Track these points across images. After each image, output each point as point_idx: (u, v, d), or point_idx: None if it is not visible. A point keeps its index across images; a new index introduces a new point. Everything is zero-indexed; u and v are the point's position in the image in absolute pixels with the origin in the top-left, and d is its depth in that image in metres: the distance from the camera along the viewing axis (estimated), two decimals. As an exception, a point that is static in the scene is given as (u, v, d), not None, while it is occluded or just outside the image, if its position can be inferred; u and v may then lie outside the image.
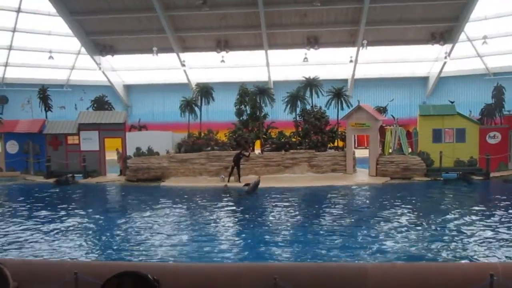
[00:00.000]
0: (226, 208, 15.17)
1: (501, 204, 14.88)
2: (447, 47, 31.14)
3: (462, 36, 30.89)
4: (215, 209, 14.97)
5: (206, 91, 23.53)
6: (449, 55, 31.32)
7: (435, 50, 32.32)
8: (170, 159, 21.56)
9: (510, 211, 13.79)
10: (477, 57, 32.73)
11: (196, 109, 23.55)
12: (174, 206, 15.62)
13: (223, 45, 31.82)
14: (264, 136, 23.12)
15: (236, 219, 13.73)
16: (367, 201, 16.53)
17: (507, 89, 22.97)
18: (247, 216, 13.96)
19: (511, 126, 21.45)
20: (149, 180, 20.89)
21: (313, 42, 31.21)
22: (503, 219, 12.80)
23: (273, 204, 15.65)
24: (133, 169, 21.12)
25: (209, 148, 21.88)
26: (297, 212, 14.41)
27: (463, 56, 32.94)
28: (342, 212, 14.29)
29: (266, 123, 23.99)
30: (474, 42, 31.54)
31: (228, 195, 17.78)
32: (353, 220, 13.22)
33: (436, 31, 30.31)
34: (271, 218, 13.65)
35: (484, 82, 30.82)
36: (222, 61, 32.57)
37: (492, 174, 20.25)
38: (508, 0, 27.60)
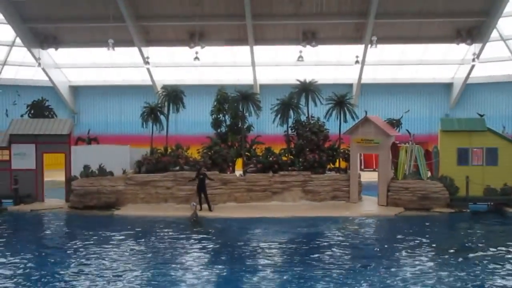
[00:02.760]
0: (192, 246, 15.11)
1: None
2: (476, 47, 31.84)
3: (494, 34, 31.66)
4: (178, 247, 14.93)
5: (175, 95, 23.55)
6: (478, 57, 32.00)
7: (461, 51, 33.02)
8: (127, 181, 21.41)
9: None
10: (512, 60, 33.59)
11: (162, 118, 23.52)
12: (128, 241, 15.54)
13: (197, 38, 32.01)
14: (247, 153, 23.18)
15: (201, 261, 13.64)
16: (375, 239, 16.60)
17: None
18: (216, 257, 13.96)
19: (553, 146, 21.90)
20: (99, 207, 20.68)
21: (310, 37, 31.63)
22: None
23: (254, 241, 15.66)
24: (79, 193, 20.89)
25: (177, 168, 21.82)
26: (282, 252, 14.45)
27: (495, 59, 33.70)
28: (341, 253, 14.35)
29: (250, 137, 24.08)
30: (508, 42, 32.33)
31: (198, 227, 17.76)
32: (354, 265, 13.27)
33: (463, 27, 31.01)
34: (249, 261, 13.52)
35: None
36: (196, 58, 32.71)
37: (531, 206, 20.59)
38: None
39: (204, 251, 14.57)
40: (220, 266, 12.98)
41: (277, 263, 13.17)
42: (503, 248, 14.71)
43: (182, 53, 33.66)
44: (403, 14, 30.17)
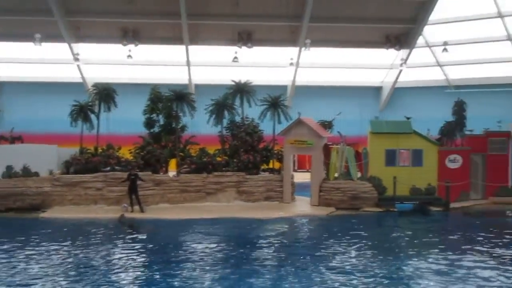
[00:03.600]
0: (119, 249, 14.74)
1: (458, 245, 15.90)
2: (404, 52, 33.24)
3: (421, 41, 33.19)
4: (104, 250, 14.53)
5: (106, 93, 23.03)
6: (405, 62, 33.41)
7: (390, 56, 34.34)
8: (54, 182, 20.68)
9: (467, 256, 14.76)
10: (437, 66, 35.29)
11: (93, 116, 22.90)
12: (51, 245, 14.94)
13: (131, 35, 31.41)
14: (181, 153, 22.98)
15: (129, 264, 13.30)
16: (307, 238, 16.90)
17: (469, 104, 24.86)
18: (146, 259, 13.75)
19: (473, 149, 23.22)
20: (23, 210, 19.87)
21: (245, 38, 31.81)
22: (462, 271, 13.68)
23: (185, 242, 15.59)
24: (0, 195, 19.99)
25: (108, 168, 21.31)
26: (214, 253, 14.43)
27: (421, 64, 35.33)
28: (273, 252, 14.53)
29: (184, 137, 23.90)
30: (433, 49, 33.98)
31: (128, 229, 17.45)
32: (287, 264, 13.46)
33: (391, 33, 32.25)
34: (179, 263, 13.31)
35: (445, 95, 33.14)
36: (129, 56, 32.08)
37: (452, 205, 21.68)
38: (471, 2, 30.11)
39: (133, 253, 14.22)
40: (151, 268, 12.78)
41: (208, 264, 13.11)
42: (426, 245, 15.43)
43: (114, 50, 32.86)
44: (336, 18, 30.94)
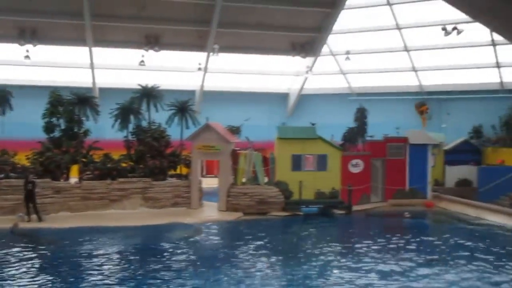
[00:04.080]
0: (12, 261, 13.83)
1: (359, 245, 16.62)
2: (309, 60, 34.29)
3: (326, 49, 34.41)
4: None
5: (1, 96, 21.68)
6: (311, 69, 34.49)
7: (297, 63, 35.28)
8: None
9: (366, 254, 15.47)
10: (341, 74, 36.77)
11: (-15, 120, 21.45)
12: None
13: (29, 35, 29.74)
14: (83, 159, 22.11)
15: (23, 276, 12.59)
16: (214, 244, 16.86)
17: (370, 111, 26.13)
18: (43, 271, 13.03)
19: (373, 154, 24.39)
20: None
21: (153, 41, 31.26)
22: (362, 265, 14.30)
23: (85, 252, 14.94)
24: None
25: (2, 175, 20.00)
26: (116, 263, 14.00)
27: (326, 72, 36.63)
28: (180, 259, 14.34)
29: (87, 142, 23.01)
30: (337, 57, 35.37)
31: (23, 239, 16.48)
32: (192, 270, 13.34)
33: (298, 41, 33.16)
34: (77, 274, 12.81)
35: (348, 102, 34.61)
36: (27, 56, 30.35)
37: (354, 208, 22.62)
38: (371, 14, 31.70)
39: (27, 265, 13.39)
40: (48, 278, 12.11)
41: (108, 274, 12.65)
42: (330, 247, 15.94)
43: (10, 50, 30.92)
44: (243, 25, 31.28)
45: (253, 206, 21.37)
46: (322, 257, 14.50)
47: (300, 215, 21.43)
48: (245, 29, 31.60)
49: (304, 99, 37.70)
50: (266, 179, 23.27)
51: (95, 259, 14.09)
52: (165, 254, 14.79)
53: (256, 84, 37.11)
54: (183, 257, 14.54)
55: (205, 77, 34.38)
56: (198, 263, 13.91)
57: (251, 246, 15.89)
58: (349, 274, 12.80)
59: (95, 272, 12.77)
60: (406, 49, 33.20)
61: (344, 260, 14.26)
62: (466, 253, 15.13)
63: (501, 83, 32.32)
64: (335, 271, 13.25)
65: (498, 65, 31.59)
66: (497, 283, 12.22)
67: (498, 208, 21.82)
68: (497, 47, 30.26)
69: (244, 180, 22.55)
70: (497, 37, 28.79)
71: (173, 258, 14.30)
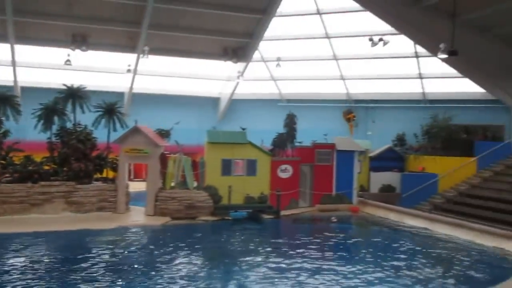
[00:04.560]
0: None
1: (286, 249, 16.95)
2: (241, 65, 34.55)
3: (257, 55, 34.81)
4: None
5: None
6: (242, 74, 34.75)
7: (228, 68, 35.45)
8: None
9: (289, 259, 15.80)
10: (271, 80, 37.31)
11: None
12: None
13: None
14: (2, 161, 21.12)
15: None
16: (139, 249, 16.57)
17: (299, 117, 26.66)
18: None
19: (302, 159, 24.91)
20: None
21: (80, 41, 30.35)
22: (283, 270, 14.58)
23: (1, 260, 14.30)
24: None
25: None
26: (37, 270, 13.52)
27: (257, 78, 37.04)
28: (102, 265, 14.02)
29: (7, 143, 22.02)
30: (268, 64, 35.87)
31: None
32: (117, 276, 13.08)
33: (229, 46, 33.32)
34: None
35: (278, 108, 35.16)
36: None
37: (283, 212, 22.99)
38: (302, 22, 32.43)
39: None
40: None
41: (27, 283, 12.16)
42: (257, 251, 16.13)
43: None
44: (175, 27, 31.05)
45: (182, 211, 21.23)
46: (249, 261, 14.65)
47: (229, 220, 21.50)
48: (177, 32, 31.38)
49: (235, 104, 37.95)
50: (195, 184, 23.19)
51: (8, 266, 13.50)
52: (86, 261, 14.35)
53: (186, 88, 36.93)
54: (104, 263, 14.18)
55: (135, 79, 33.80)
56: (121, 269, 13.63)
57: (177, 251, 15.79)
58: (277, 275, 13.03)
59: (10, 278, 12.25)
60: (335, 58, 34.19)
61: (270, 263, 14.48)
62: (384, 254, 16.06)
63: (423, 93, 33.96)
64: (261, 273, 13.42)
65: (420, 76, 33.18)
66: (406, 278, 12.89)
67: (418, 213, 22.97)
68: (420, 59, 31.79)
69: (172, 184, 22.36)
70: (420, 49, 30.28)
71: (94, 265, 13.92)
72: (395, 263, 15.09)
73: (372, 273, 13.89)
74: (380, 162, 29.61)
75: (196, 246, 16.55)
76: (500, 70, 27.57)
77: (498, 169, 27.14)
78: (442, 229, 20.09)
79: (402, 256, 16.06)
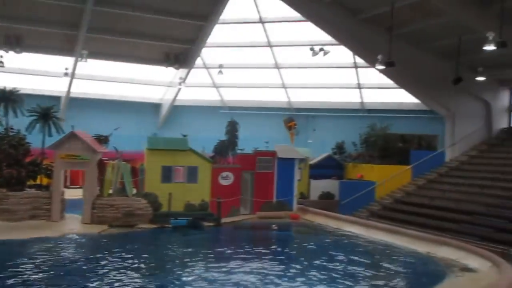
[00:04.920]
0: None
1: (226, 257, 16.97)
2: (183, 72, 34.38)
3: (199, 62, 34.76)
4: None
5: None
6: (184, 81, 34.60)
7: (170, 74, 35.19)
8: None
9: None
10: (213, 87, 37.35)
11: None
12: None
13: None
14: None
15: None
16: (74, 259, 16.07)
17: (241, 125, 26.80)
18: None
19: (243, 166, 25.02)
20: None
21: (14, 42, 29.29)
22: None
23: None
24: None
25: None
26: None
27: (199, 84, 36.97)
28: (35, 276, 13.54)
29: None
30: (210, 70, 35.89)
31: None
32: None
33: (171, 51, 33.12)
34: None
35: (220, 115, 35.20)
36: None
37: (224, 220, 22.97)
38: (244, 30, 32.72)
39: None
40: None
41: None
42: (196, 259, 16.05)
43: None
44: (115, 31, 30.57)
45: (120, 219, 20.80)
46: (187, 269, 14.56)
47: (168, 228, 21.24)
48: (117, 36, 30.92)
49: (177, 110, 37.71)
50: (134, 191, 22.82)
51: None
52: (15, 271, 13.74)
53: (127, 93, 36.42)
54: (36, 275, 13.62)
55: (72, 83, 32.96)
56: (53, 279, 13.20)
57: (114, 259, 15.43)
58: (217, 283, 13.02)
59: None
60: (277, 66, 34.67)
61: (209, 270, 14.45)
62: (321, 260, 16.40)
63: (362, 103, 35.00)
64: (199, 281, 13.36)
65: (359, 86, 34.19)
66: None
67: (355, 219, 23.57)
68: (359, 69, 32.77)
69: (111, 191, 21.91)
70: (359, 60, 31.21)
71: (24, 276, 13.37)
72: (332, 267, 15.46)
73: (310, 278, 14.13)
74: (320, 170, 30.22)
75: (133, 254, 16.22)
76: (434, 82, 28.85)
77: (431, 177, 28.32)
78: (378, 236, 20.64)
79: (338, 261, 16.41)
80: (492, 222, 21.43)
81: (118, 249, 16.80)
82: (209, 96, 38.20)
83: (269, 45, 33.10)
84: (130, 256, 15.95)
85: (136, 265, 14.88)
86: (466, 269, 15.46)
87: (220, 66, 34.05)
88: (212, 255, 17.04)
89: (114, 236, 19.25)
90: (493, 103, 30.55)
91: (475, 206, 23.32)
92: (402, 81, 30.25)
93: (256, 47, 33.68)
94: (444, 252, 17.54)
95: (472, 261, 16.02)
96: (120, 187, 22.10)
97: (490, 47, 20.39)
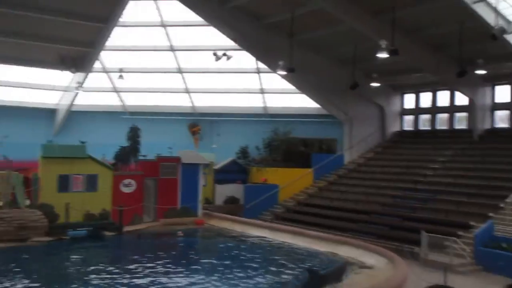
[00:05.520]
0: None
1: (128, 266, 16.51)
2: (80, 75, 33.06)
3: (98, 65, 33.62)
4: None
5: None
6: (81, 85, 33.28)
7: (67, 78, 33.69)
8: None
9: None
10: (114, 92, 36.27)
11: None
12: None
13: None
14: None
15: None
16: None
17: (144, 130, 26.21)
18: None
19: (146, 173, 24.49)
20: None
21: None
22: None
23: None
24: None
25: None
26: None
27: (98, 89, 35.74)
28: None
29: None
30: (110, 74, 34.83)
31: None
32: None
33: (67, 54, 31.70)
34: None
35: (121, 121, 34.23)
36: None
37: (126, 228, 22.30)
38: (146, 33, 32.13)
39: None
40: None
41: None
42: (95, 270, 15.44)
43: None
44: (5, 32, 28.72)
45: (11, 232, 19.43)
46: (86, 281, 13.98)
47: (66, 239, 20.25)
48: (8, 37, 29.07)
49: (74, 116, 36.17)
50: (27, 202, 21.54)
51: None
52: None
53: (19, 98, 34.36)
54: None
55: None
56: None
57: (5, 276, 14.42)
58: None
59: None
60: (180, 71, 34.39)
61: (110, 281, 13.98)
62: (226, 263, 16.59)
63: (265, 107, 35.64)
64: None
65: (262, 91, 34.79)
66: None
67: (260, 223, 23.98)
68: (262, 74, 33.35)
69: (0, 203, 20.52)
70: (262, 65, 31.76)
71: None
72: (235, 269, 15.67)
73: (215, 281, 14.14)
74: (225, 175, 30.33)
75: (26, 270, 15.23)
76: (332, 87, 30.10)
77: (331, 179, 29.48)
78: (282, 238, 21.08)
79: (241, 263, 16.60)
80: (387, 220, 22.69)
81: (5, 266, 15.68)
82: (109, 101, 37.01)
83: (172, 49, 32.76)
84: (19, 273, 14.84)
85: (25, 283, 13.91)
86: (364, 266, 16.21)
87: (121, 70, 33.10)
88: (113, 266, 16.44)
89: (4, 252, 17.93)
90: (387, 108, 32.37)
91: (372, 206, 24.60)
92: (303, 86, 31.24)
93: (158, 51, 33.19)
94: (344, 251, 18.31)
95: (370, 258, 16.87)
96: (11, 199, 20.77)
97: (383, 55, 21.53)
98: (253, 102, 35.78)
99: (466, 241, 18.61)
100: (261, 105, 35.66)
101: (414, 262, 17.78)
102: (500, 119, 27.81)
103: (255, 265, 16.64)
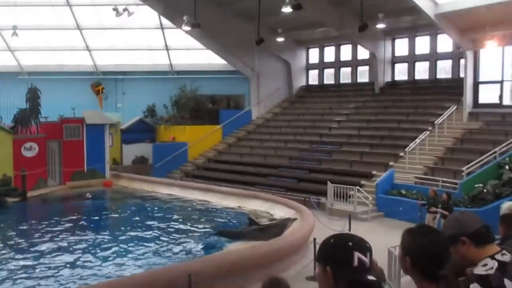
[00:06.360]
0: None
1: (32, 234, 16.29)
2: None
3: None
4: None
5: None
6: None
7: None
8: None
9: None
10: (8, 51, 34.27)
11: None
12: None
13: None
14: None
15: None
16: None
17: (44, 91, 25.27)
18: None
19: (49, 135, 23.85)
20: None
21: None
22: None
23: None
24: None
25: None
26: None
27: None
28: None
29: None
30: (3, 32, 32.81)
31: None
32: None
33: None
34: None
35: (19, 82, 32.65)
36: None
37: (30, 193, 21.84)
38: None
39: None
40: None
41: None
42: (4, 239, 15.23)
43: None
44: None
45: None
46: None
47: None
48: None
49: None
50: None
51: None
52: None
53: None
54: None
55: None
56: None
57: None
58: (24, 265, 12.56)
59: None
60: (78, 28, 33.06)
61: (14, 251, 13.86)
62: (136, 223, 17.03)
63: (171, 65, 35.30)
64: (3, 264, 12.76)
65: (167, 48, 34.37)
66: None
67: (170, 181, 24.35)
68: (166, 30, 32.88)
69: None
70: (165, 21, 31.31)
71: None
72: (147, 229, 16.09)
73: (125, 242, 14.46)
74: (132, 134, 30.14)
75: None
76: (238, 43, 30.40)
77: (240, 135, 30.22)
78: (193, 195, 21.65)
79: (155, 222, 17.01)
80: (295, 173, 23.80)
81: None
82: (3, 61, 34.95)
83: (68, 4, 31.36)
84: None
85: None
86: (273, 218, 17.03)
87: (14, 28, 31.26)
88: (18, 234, 16.19)
89: None
90: (293, 63, 33.27)
91: (280, 160, 25.64)
92: (208, 43, 31.25)
93: (54, 6, 31.60)
94: (254, 204, 19.14)
95: (279, 211, 17.67)
96: None
97: (287, 9, 21.97)
98: (159, 59, 35.25)
99: (369, 190, 19.69)
100: (167, 62, 35.26)
101: (321, 212, 18.69)
102: (400, 71, 29.47)
103: (165, 223, 17.04)
